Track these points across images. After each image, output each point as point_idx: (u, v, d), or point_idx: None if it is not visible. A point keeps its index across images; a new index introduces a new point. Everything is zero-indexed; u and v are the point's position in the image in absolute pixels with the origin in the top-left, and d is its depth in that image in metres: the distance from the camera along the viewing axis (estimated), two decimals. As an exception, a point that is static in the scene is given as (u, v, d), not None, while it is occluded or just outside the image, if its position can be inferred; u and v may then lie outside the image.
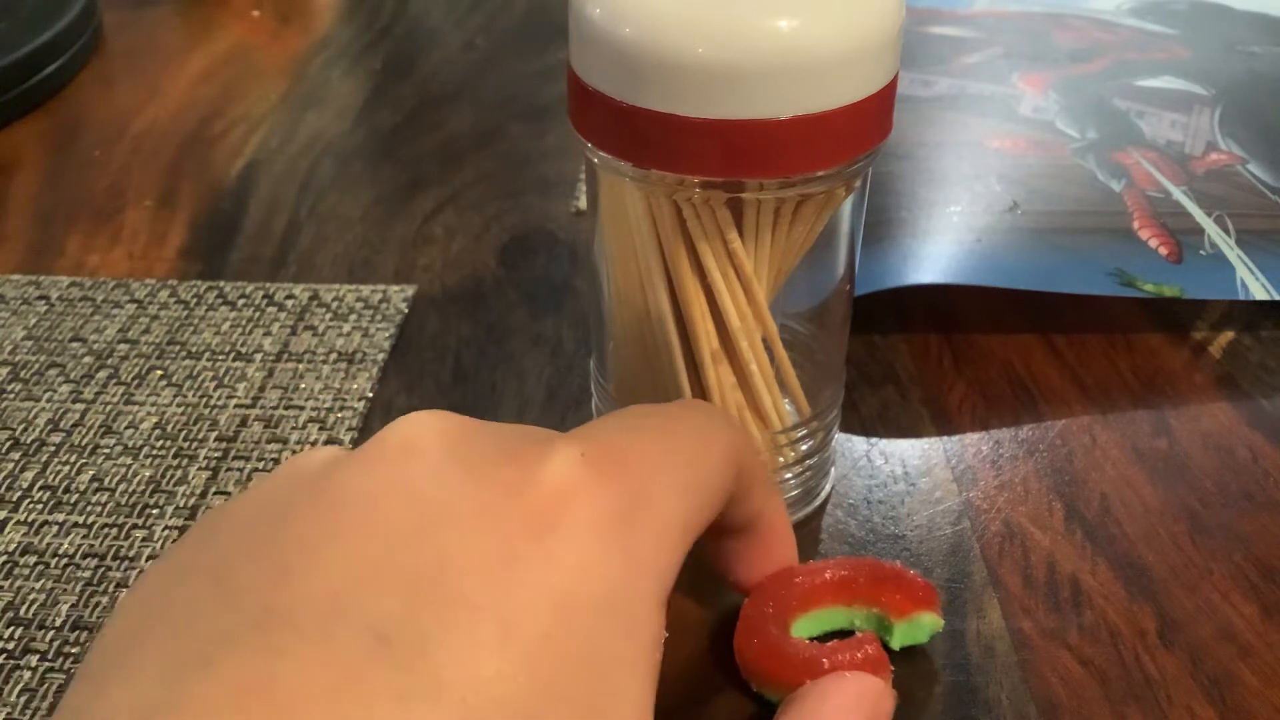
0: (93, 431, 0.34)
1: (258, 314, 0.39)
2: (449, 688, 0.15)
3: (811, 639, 0.26)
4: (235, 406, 0.35)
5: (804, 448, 0.30)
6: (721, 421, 0.23)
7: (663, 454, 0.21)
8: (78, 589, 0.29)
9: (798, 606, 0.26)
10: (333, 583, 0.16)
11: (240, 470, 0.33)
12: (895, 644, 0.26)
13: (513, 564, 0.17)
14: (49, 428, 0.35)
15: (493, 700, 0.16)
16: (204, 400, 0.36)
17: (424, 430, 0.19)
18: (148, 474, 0.33)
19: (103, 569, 0.30)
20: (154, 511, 0.31)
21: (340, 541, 0.17)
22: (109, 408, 0.35)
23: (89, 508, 0.32)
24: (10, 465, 0.33)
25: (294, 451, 0.33)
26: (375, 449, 0.19)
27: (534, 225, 0.45)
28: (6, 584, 0.29)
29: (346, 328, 0.39)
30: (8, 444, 0.34)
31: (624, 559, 0.18)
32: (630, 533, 0.19)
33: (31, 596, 0.29)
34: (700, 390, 0.28)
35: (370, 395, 0.36)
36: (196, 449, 0.34)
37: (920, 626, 0.26)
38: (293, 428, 0.34)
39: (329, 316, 0.39)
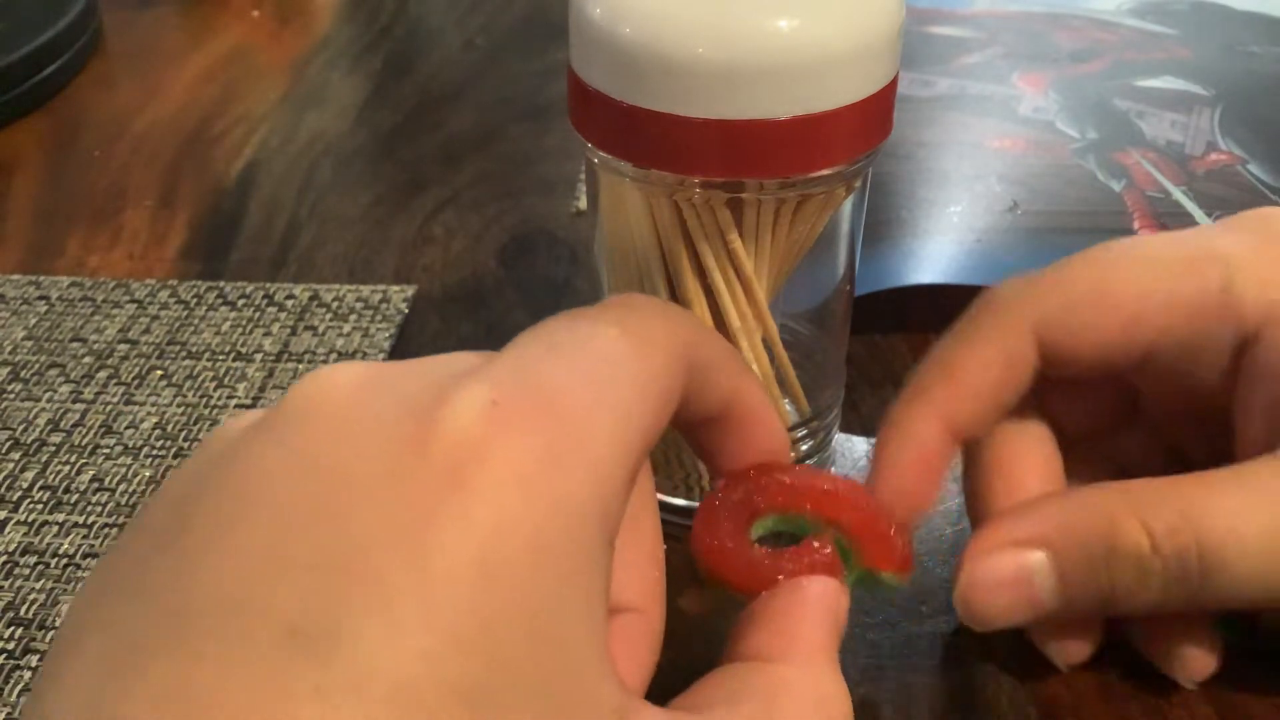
0: (93, 431, 0.34)
1: (258, 314, 0.39)
2: (373, 677, 0.14)
3: (765, 536, 0.24)
4: (235, 407, 0.35)
5: (804, 448, 0.30)
6: (661, 317, 0.21)
7: (590, 377, 0.19)
8: (78, 589, 0.29)
9: (764, 507, 0.24)
10: (239, 574, 0.15)
11: (240, 470, 0.33)
12: (847, 583, 0.24)
13: (425, 531, 0.16)
14: (49, 428, 0.35)
15: (427, 683, 0.15)
16: (204, 400, 0.36)
17: (323, 387, 0.18)
18: (148, 474, 0.33)
19: (103, 569, 0.30)
20: (154, 512, 0.31)
21: (240, 528, 0.16)
22: (109, 408, 0.35)
23: (89, 508, 0.32)
24: (10, 465, 0.33)
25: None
26: (278, 415, 0.18)
27: (534, 225, 0.45)
28: (7, 584, 0.29)
29: (346, 328, 0.39)
30: (8, 444, 0.34)
31: (551, 506, 0.17)
32: (556, 475, 0.17)
33: (32, 597, 0.29)
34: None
35: (370, 395, 0.36)
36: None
37: (879, 582, 0.24)
38: (293, 428, 0.34)
39: (329, 317, 0.39)
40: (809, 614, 0.22)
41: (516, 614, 0.16)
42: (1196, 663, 0.26)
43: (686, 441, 0.24)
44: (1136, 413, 0.28)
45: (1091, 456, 0.28)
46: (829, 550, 0.23)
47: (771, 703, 0.20)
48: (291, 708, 0.14)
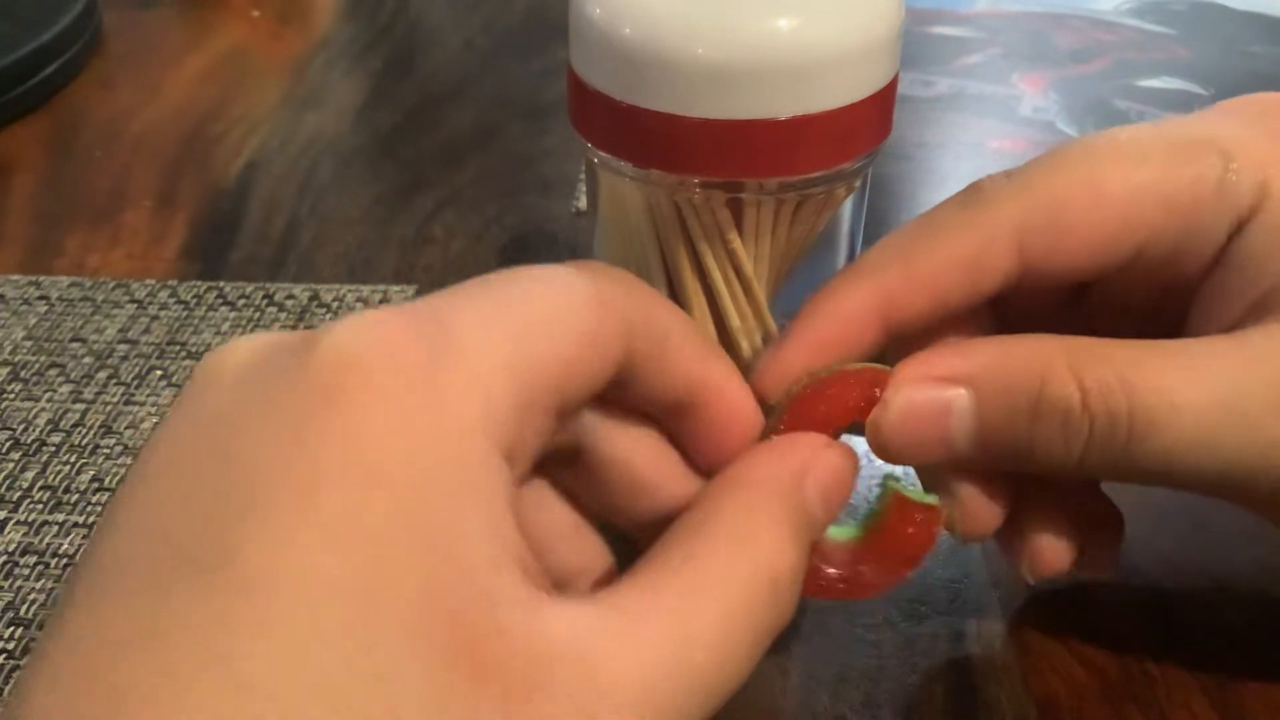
0: (93, 432, 0.34)
1: (258, 314, 0.39)
2: (258, 580, 0.15)
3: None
4: (235, 406, 0.35)
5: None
6: (611, 277, 0.21)
7: (495, 302, 0.19)
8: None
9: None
10: (145, 532, 0.16)
11: (240, 470, 0.33)
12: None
13: (303, 446, 0.16)
14: (49, 428, 0.35)
15: (310, 582, 0.15)
16: (204, 400, 0.36)
17: (222, 355, 0.18)
18: (148, 474, 0.33)
19: (103, 569, 0.30)
20: (154, 511, 0.31)
21: (145, 497, 0.17)
22: (109, 408, 0.35)
23: (89, 508, 0.32)
24: (10, 465, 0.33)
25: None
26: (184, 388, 0.18)
27: (534, 225, 0.45)
28: (7, 584, 0.29)
29: (346, 328, 0.39)
30: (8, 444, 0.34)
31: (429, 412, 0.17)
32: (434, 382, 0.17)
33: (32, 597, 0.29)
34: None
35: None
36: (196, 449, 0.34)
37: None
38: (293, 428, 0.34)
39: (329, 317, 0.39)
40: (763, 485, 0.21)
41: (392, 514, 0.16)
42: (1045, 556, 0.25)
43: (666, 435, 0.23)
44: (1075, 308, 0.26)
45: None
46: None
47: (704, 580, 0.19)
48: (187, 618, 0.15)
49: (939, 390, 0.23)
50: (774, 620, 0.19)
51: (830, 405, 0.23)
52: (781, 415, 0.23)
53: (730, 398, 0.22)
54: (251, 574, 0.15)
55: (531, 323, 0.19)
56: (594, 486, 0.23)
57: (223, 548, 0.16)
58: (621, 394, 0.21)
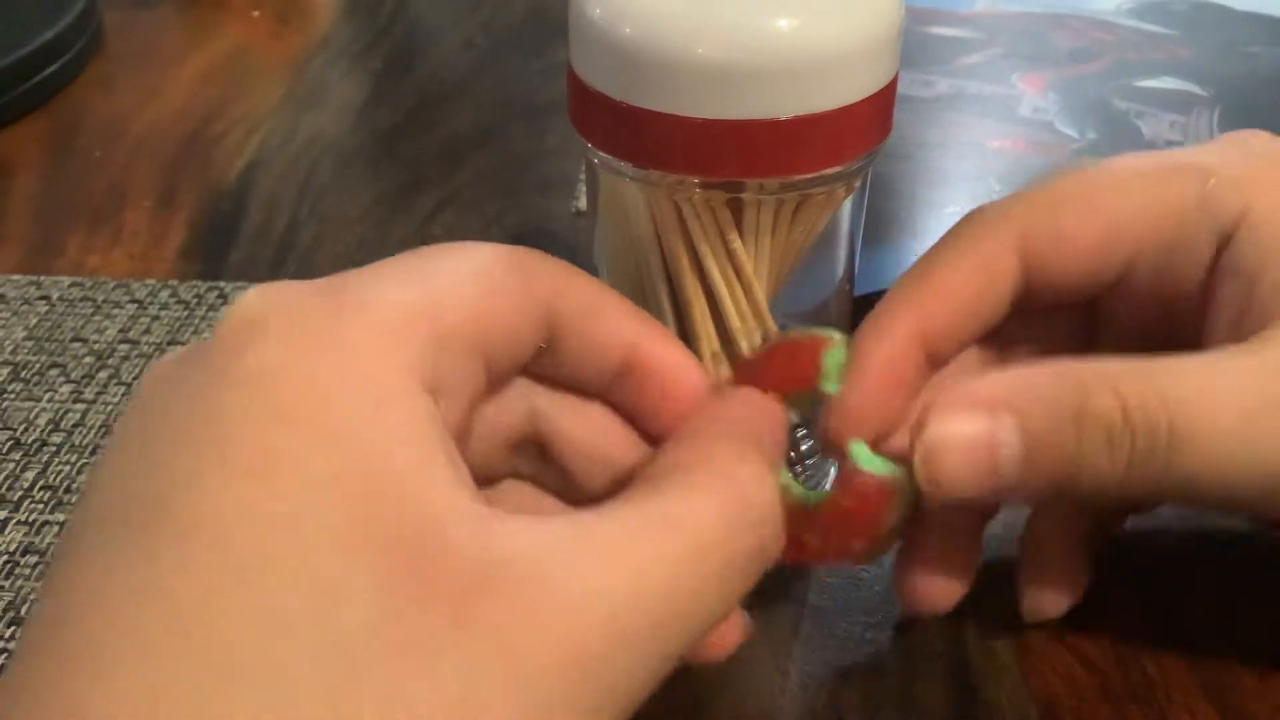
0: (94, 432, 0.34)
1: (258, 314, 0.39)
2: (189, 524, 0.16)
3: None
4: (235, 406, 0.35)
5: (804, 448, 0.30)
6: (518, 248, 0.21)
7: (385, 265, 0.20)
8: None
9: None
10: (94, 513, 0.17)
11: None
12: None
13: (213, 398, 0.17)
14: (50, 428, 0.35)
15: (243, 519, 0.16)
16: (204, 400, 0.36)
17: (165, 358, 0.19)
18: (148, 474, 0.33)
19: (103, 569, 0.30)
20: (154, 511, 0.32)
21: (90, 488, 0.18)
22: (110, 408, 0.35)
23: (89, 508, 0.32)
24: (11, 465, 0.33)
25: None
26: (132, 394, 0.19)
27: (534, 225, 0.45)
28: (7, 584, 0.29)
29: (347, 328, 0.39)
30: (9, 444, 0.34)
31: (330, 353, 0.17)
32: (337, 323, 0.18)
33: (33, 597, 0.29)
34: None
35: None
36: (197, 449, 0.34)
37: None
38: (293, 428, 0.34)
39: (329, 316, 0.39)
40: (732, 423, 0.21)
41: (307, 444, 0.17)
42: (1046, 601, 0.26)
43: (620, 413, 0.23)
44: (1093, 348, 0.27)
45: None
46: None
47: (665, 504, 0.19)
48: (130, 575, 0.16)
49: (985, 418, 0.23)
50: (753, 552, 0.19)
51: (776, 373, 0.24)
52: (730, 380, 0.24)
53: (668, 359, 0.23)
54: (181, 522, 0.16)
55: (436, 273, 0.20)
56: (559, 473, 0.23)
57: (155, 505, 0.16)
58: (559, 369, 0.22)
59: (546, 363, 0.22)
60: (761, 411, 0.22)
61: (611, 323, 0.22)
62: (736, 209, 0.25)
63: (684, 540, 0.18)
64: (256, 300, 0.18)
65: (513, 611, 0.16)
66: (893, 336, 0.25)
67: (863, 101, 0.24)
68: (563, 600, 0.17)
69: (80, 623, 0.16)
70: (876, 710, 0.26)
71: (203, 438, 0.17)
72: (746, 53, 0.23)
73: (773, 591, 0.29)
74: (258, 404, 0.17)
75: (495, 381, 0.21)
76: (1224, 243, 0.24)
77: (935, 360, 0.25)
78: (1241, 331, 0.24)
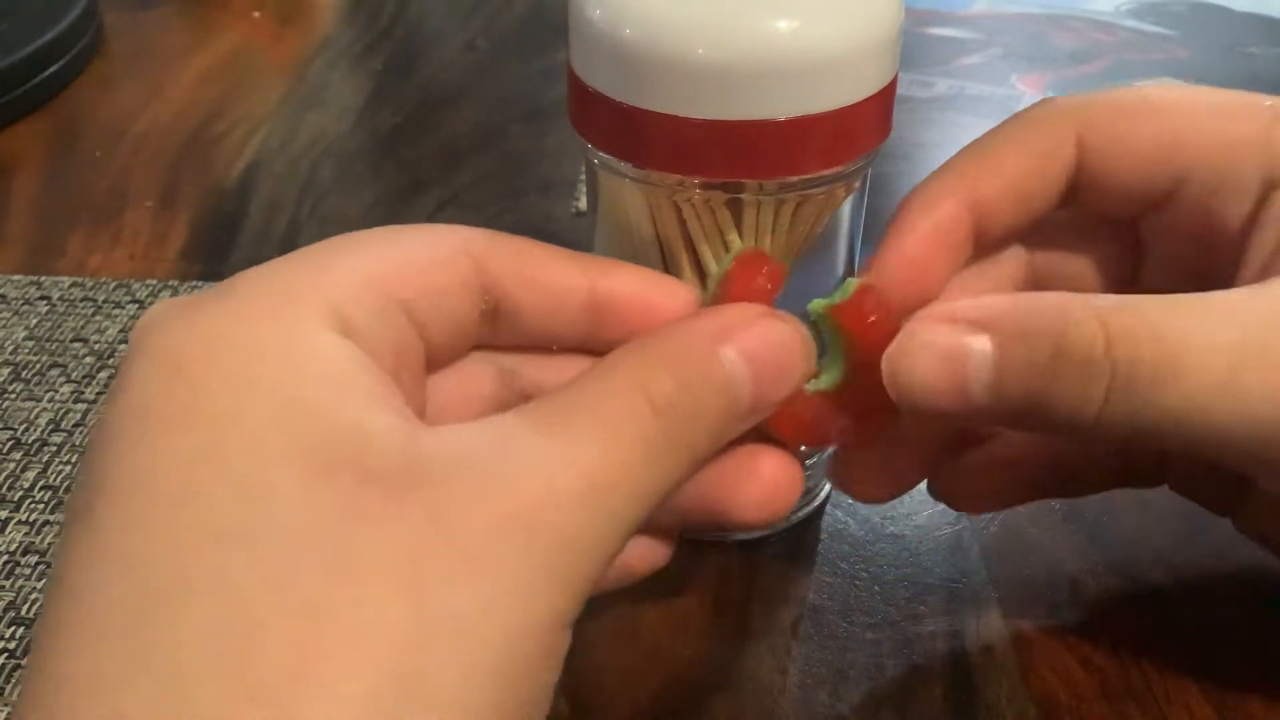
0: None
1: (258, 314, 0.39)
2: (121, 481, 0.17)
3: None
4: (236, 407, 0.35)
5: (804, 447, 0.30)
6: (441, 226, 0.22)
7: (282, 258, 0.20)
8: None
9: None
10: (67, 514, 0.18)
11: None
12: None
13: (128, 376, 0.18)
14: (50, 428, 0.35)
15: (171, 465, 0.16)
16: (205, 400, 0.36)
17: None
18: (149, 474, 0.33)
19: (104, 569, 0.30)
20: (155, 511, 0.32)
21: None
22: (110, 408, 0.35)
23: (90, 508, 0.32)
24: (12, 465, 0.33)
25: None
26: None
27: (534, 226, 0.45)
28: (8, 584, 0.29)
29: (347, 328, 0.39)
30: (9, 444, 0.34)
31: (227, 318, 0.18)
32: (231, 304, 0.18)
33: (33, 596, 0.29)
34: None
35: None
36: (197, 449, 0.34)
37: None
38: (293, 428, 0.34)
39: (330, 317, 0.39)
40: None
41: (214, 388, 0.17)
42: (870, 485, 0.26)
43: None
44: (1135, 276, 0.27)
45: None
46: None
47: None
48: (78, 557, 0.17)
49: (959, 333, 0.22)
50: (667, 441, 0.19)
51: (768, 278, 0.23)
52: (714, 292, 0.23)
53: (630, 286, 0.22)
54: (112, 487, 0.17)
55: (333, 249, 0.20)
56: None
57: (91, 482, 0.17)
58: (527, 333, 0.22)
59: (508, 330, 0.22)
60: (704, 327, 0.21)
61: (556, 271, 0.22)
62: (736, 209, 0.25)
63: (598, 417, 0.18)
64: (165, 300, 0.19)
65: (446, 489, 0.17)
66: (942, 198, 0.24)
67: (862, 102, 0.24)
68: (494, 475, 0.17)
69: (54, 605, 0.16)
70: (876, 710, 0.26)
71: (118, 408, 0.17)
72: (746, 53, 0.23)
73: (773, 591, 0.29)
74: (162, 367, 0.17)
75: (443, 344, 0.21)
76: (1272, 187, 0.24)
77: (981, 241, 0.25)
78: (1260, 275, 0.23)
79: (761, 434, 0.22)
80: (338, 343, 0.18)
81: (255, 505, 0.16)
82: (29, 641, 0.28)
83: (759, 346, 0.21)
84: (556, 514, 0.17)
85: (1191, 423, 0.21)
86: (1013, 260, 0.26)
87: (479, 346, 0.23)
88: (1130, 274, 0.26)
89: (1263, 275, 0.23)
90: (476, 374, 0.23)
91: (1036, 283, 0.27)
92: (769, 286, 0.23)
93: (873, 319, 0.23)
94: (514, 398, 0.23)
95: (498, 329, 0.22)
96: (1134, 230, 0.26)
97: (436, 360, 0.22)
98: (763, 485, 0.22)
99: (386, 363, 0.19)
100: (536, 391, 0.23)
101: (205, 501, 0.16)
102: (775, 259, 0.24)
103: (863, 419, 0.23)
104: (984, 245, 0.25)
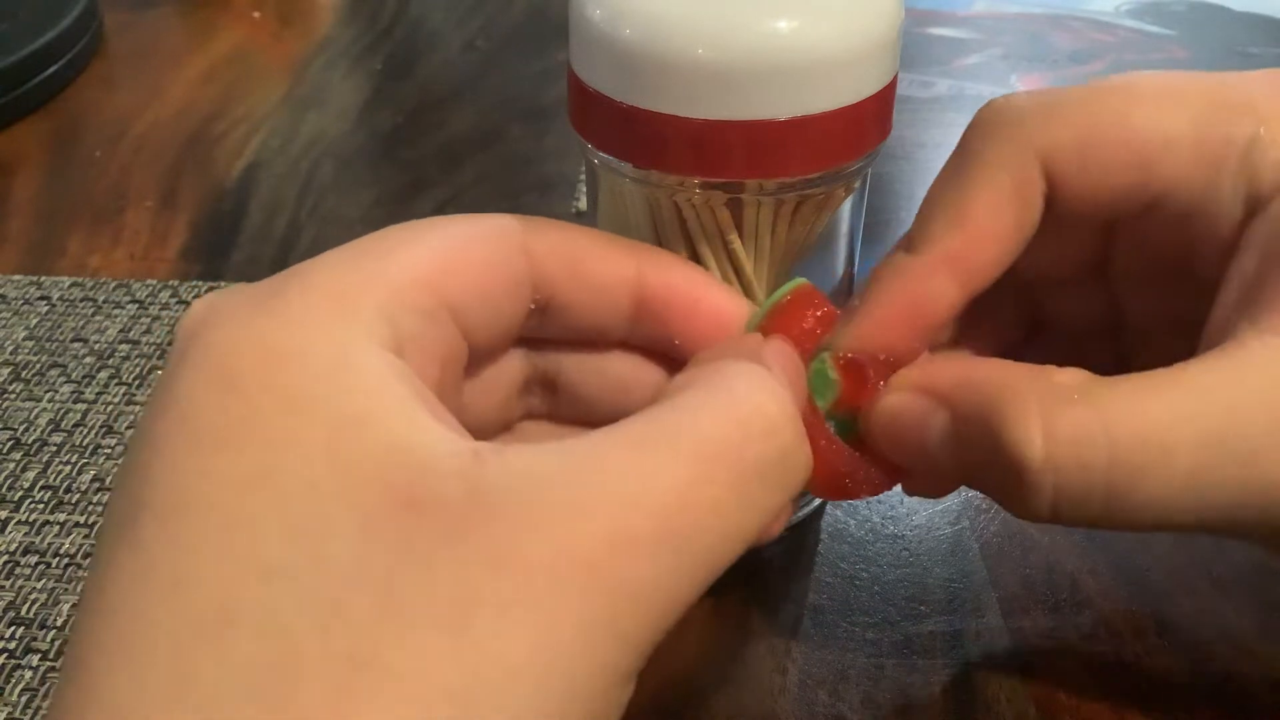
0: (94, 431, 0.34)
1: (259, 314, 0.39)
2: (168, 500, 0.16)
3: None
4: (236, 407, 0.35)
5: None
6: (490, 218, 0.21)
7: (338, 248, 0.20)
8: (79, 589, 0.29)
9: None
10: (103, 524, 0.18)
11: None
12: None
13: (176, 382, 0.17)
14: (50, 428, 0.35)
15: (222, 490, 0.16)
16: (205, 400, 0.36)
17: None
18: (149, 474, 0.33)
19: (104, 569, 0.30)
20: (155, 511, 0.32)
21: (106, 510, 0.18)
22: (110, 408, 0.35)
23: (90, 508, 0.32)
24: (12, 465, 0.33)
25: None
26: None
27: (534, 226, 0.45)
28: (8, 584, 0.29)
29: (347, 328, 0.39)
30: (9, 444, 0.34)
31: (280, 328, 0.17)
32: (283, 307, 0.18)
33: (33, 596, 0.29)
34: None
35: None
36: (197, 449, 0.34)
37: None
38: (294, 428, 0.34)
39: (330, 317, 0.39)
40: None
41: (267, 409, 0.16)
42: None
43: (648, 356, 0.23)
44: (1102, 280, 0.25)
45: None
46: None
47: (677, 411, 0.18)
48: (120, 571, 0.16)
49: (920, 402, 0.21)
50: (769, 463, 0.18)
51: (818, 322, 0.23)
52: (762, 317, 0.23)
53: (680, 282, 0.22)
54: (159, 505, 0.16)
55: (384, 246, 0.19)
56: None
57: (136, 497, 0.16)
58: (574, 327, 0.22)
59: (556, 324, 0.21)
60: (776, 344, 0.21)
61: (607, 262, 0.21)
62: (736, 209, 0.25)
63: (686, 449, 0.17)
64: (211, 296, 0.19)
65: (507, 525, 0.16)
66: (922, 280, 0.23)
67: (862, 102, 0.24)
68: (559, 510, 0.16)
69: (93, 618, 0.16)
70: (876, 710, 0.26)
71: (168, 420, 0.17)
72: (746, 53, 0.23)
73: (773, 591, 0.29)
74: (213, 378, 0.17)
75: (487, 346, 0.21)
76: (1254, 209, 0.22)
77: (971, 290, 0.23)
78: (1245, 313, 0.21)
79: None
80: (387, 359, 0.18)
81: (306, 540, 0.15)
82: (29, 641, 0.28)
83: (791, 371, 0.20)
84: (631, 557, 0.16)
85: (1160, 520, 0.20)
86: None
87: (520, 338, 0.22)
88: (1101, 258, 0.25)
89: (1243, 303, 0.21)
90: (510, 367, 0.22)
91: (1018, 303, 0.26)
92: (818, 331, 0.23)
93: (871, 378, 0.23)
94: (542, 390, 0.22)
95: (544, 323, 0.22)
96: (1107, 229, 0.25)
97: (480, 360, 0.21)
98: None
99: (434, 372, 0.19)
100: (568, 386, 0.22)
101: (257, 532, 0.16)
102: (830, 304, 0.23)
103: (881, 465, 0.23)
104: (973, 291, 0.24)
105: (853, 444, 0.23)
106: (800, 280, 0.23)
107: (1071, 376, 0.20)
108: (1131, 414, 0.19)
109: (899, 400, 0.22)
